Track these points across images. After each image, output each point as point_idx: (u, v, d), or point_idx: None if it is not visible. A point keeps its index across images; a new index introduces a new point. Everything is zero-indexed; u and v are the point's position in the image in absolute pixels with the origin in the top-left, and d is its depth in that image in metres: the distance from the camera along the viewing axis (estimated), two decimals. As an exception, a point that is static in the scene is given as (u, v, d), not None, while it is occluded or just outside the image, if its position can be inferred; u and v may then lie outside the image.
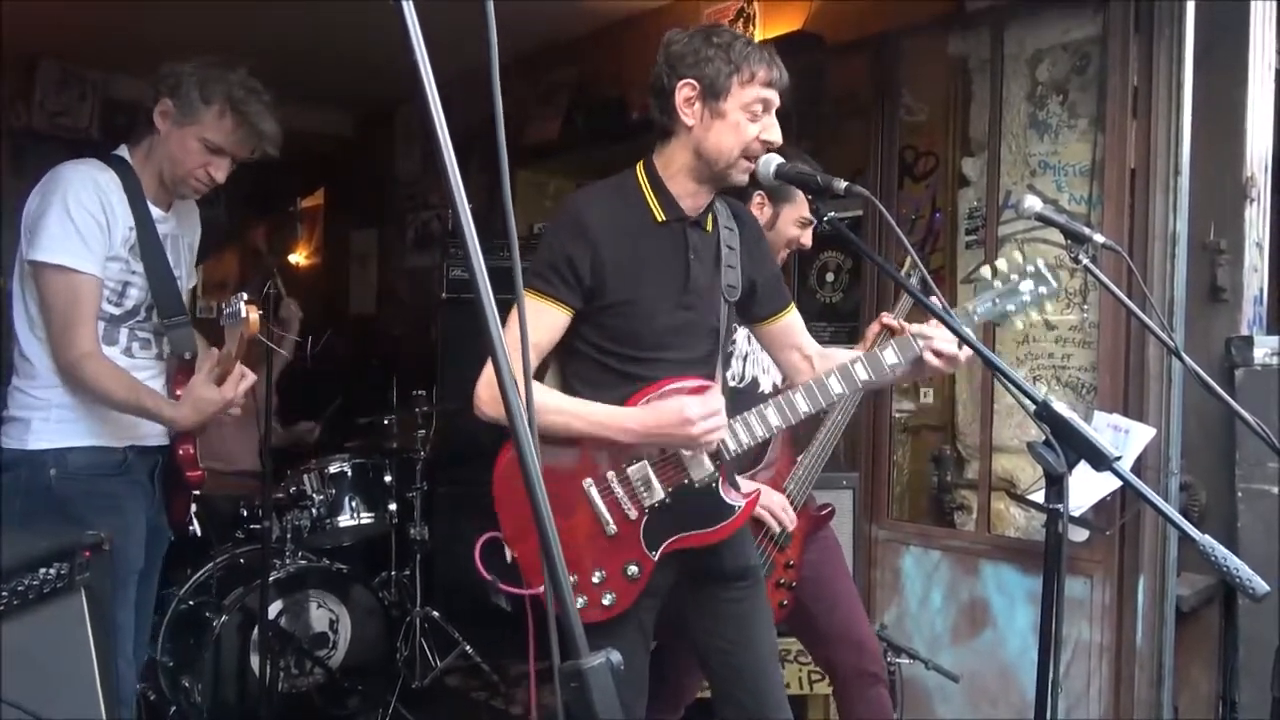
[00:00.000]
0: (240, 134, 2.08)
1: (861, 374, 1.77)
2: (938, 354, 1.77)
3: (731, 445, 1.75)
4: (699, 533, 1.75)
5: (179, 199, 2.18)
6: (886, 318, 2.33)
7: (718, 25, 1.87)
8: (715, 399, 1.69)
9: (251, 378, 2.04)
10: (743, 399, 1.98)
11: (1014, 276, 1.80)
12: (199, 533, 2.37)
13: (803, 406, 1.76)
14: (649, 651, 1.87)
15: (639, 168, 1.81)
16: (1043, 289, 1.80)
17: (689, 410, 1.65)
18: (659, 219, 1.77)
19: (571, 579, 1.68)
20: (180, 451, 2.15)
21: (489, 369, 1.68)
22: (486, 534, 1.72)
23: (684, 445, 1.69)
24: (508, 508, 1.75)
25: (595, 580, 1.72)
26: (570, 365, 1.82)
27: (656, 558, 1.74)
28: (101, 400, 2.00)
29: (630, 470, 1.73)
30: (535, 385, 1.72)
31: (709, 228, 1.83)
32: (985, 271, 1.83)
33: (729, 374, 2.07)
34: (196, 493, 2.24)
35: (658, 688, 1.89)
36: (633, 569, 1.72)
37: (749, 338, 2.32)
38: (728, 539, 1.80)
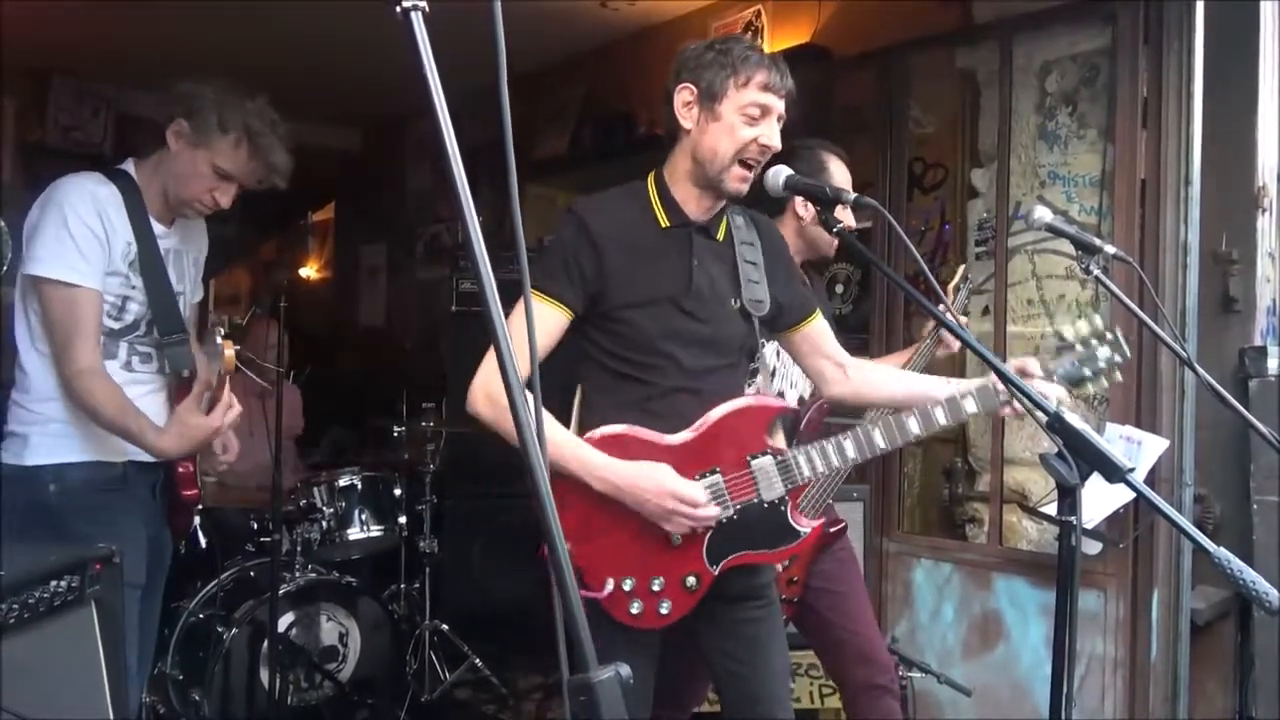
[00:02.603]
0: (253, 164, 2.08)
1: (940, 418, 1.78)
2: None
3: (806, 471, 1.75)
4: (760, 553, 1.76)
5: (181, 218, 2.17)
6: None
7: (729, 36, 1.89)
8: (698, 491, 1.68)
9: (238, 409, 2.00)
10: None
11: (1093, 341, 1.86)
12: (204, 543, 2.35)
13: (880, 443, 1.77)
14: (654, 663, 1.86)
15: (650, 176, 1.84)
16: (1118, 357, 1.87)
17: (669, 486, 1.66)
18: (663, 225, 1.78)
19: (630, 583, 1.71)
20: (180, 470, 2.12)
21: (486, 365, 1.70)
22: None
23: (653, 516, 1.68)
24: (566, 509, 1.73)
25: (655, 588, 1.72)
26: (585, 374, 1.83)
27: (717, 572, 1.74)
28: (91, 417, 1.98)
29: (704, 482, 1.73)
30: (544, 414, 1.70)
31: (720, 236, 1.84)
32: (1068, 333, 1.89)
33: (750, 390, 2.06)
34: (199, 508, 2.22)
35: (663, 689, 1.88)
36: (691, 580, 1.73)
37: (777, 352, 2.30)
38: None
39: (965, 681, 2.81)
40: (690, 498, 1.66)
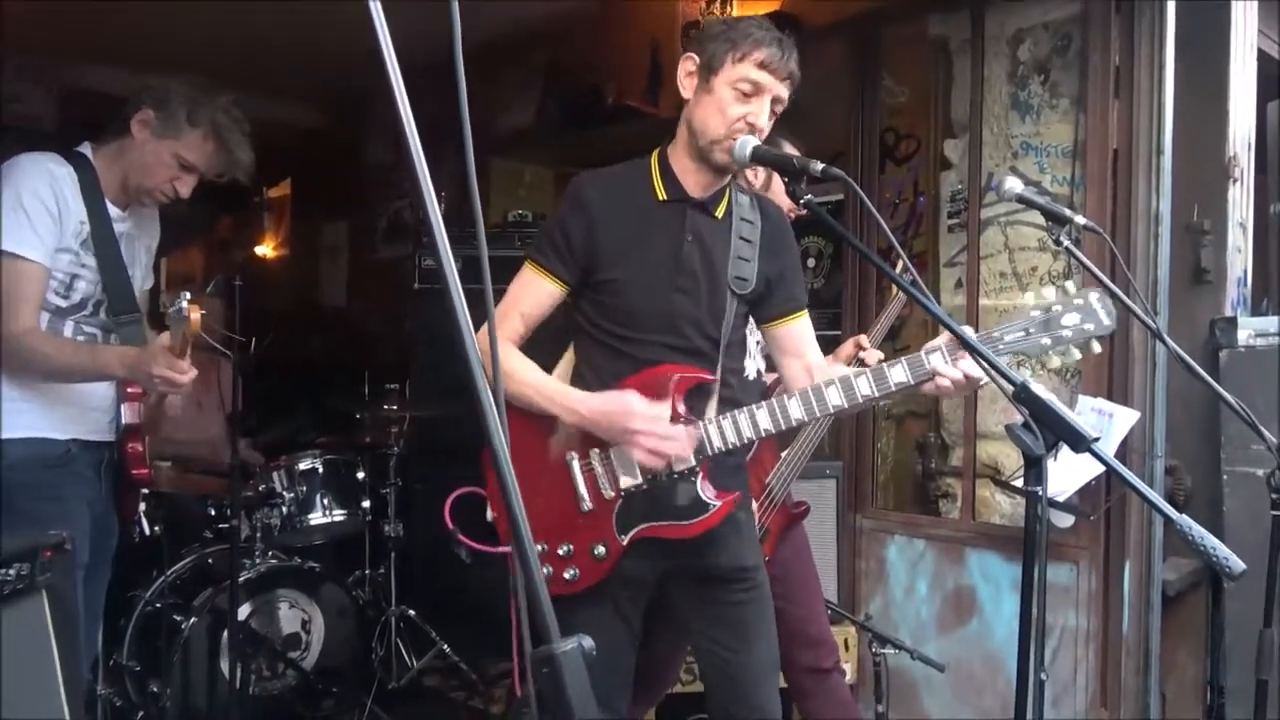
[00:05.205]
0: (217, 158, 2.18)
1: (864, 388, 1.71)
2: (942, 384, 1.68)
3: (716, 443, 1.76)
4: (670, 525, 1.76)
5: (138, 204, 2.22)
6: (864, 341, 2.37)
7: (749, 16, 1.88)
8: (662, 411, 1.70)
9: (192, 373, 2.01)
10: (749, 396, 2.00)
11: (1057, 307, 1.64)
12: (147, 531, 2.38)
13: (795, 413, 1.74)
14: (635, 646, 1.88)
15: (656, 150, 1.87)
16: (1089, 325, 1.62)
17: (634, 408, 1.69)
18: (660, 198, 1.81)
19: (539, 547, 1.74)
20: (128, 448, 2.19)
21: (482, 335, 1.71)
22: (465, 487, 1.75)
23: (621, 441, 1.71)
24: (487, 468, 1.76)
25: (561, 553, 1.75)
26: (579, 347, 1.87)
27: (625, 542, 1.76)
28: (47, 371, 2.03)
29: (614, 450, 1.76)
30: (512, 354, 1.79)
31: (719, 213, 1.85)
32: (1029, 297, 1.72)
33: (746, 374, 2.08)
34: (145, 490, 2.26)
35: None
36: (600, 549, 1.75)
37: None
38: (721, 536, 1.81)
39: (939, 657, 2.86)
40: (656, 415, 1.69)
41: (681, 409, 1.76)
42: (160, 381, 1.95)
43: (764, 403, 1.76)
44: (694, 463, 1.75)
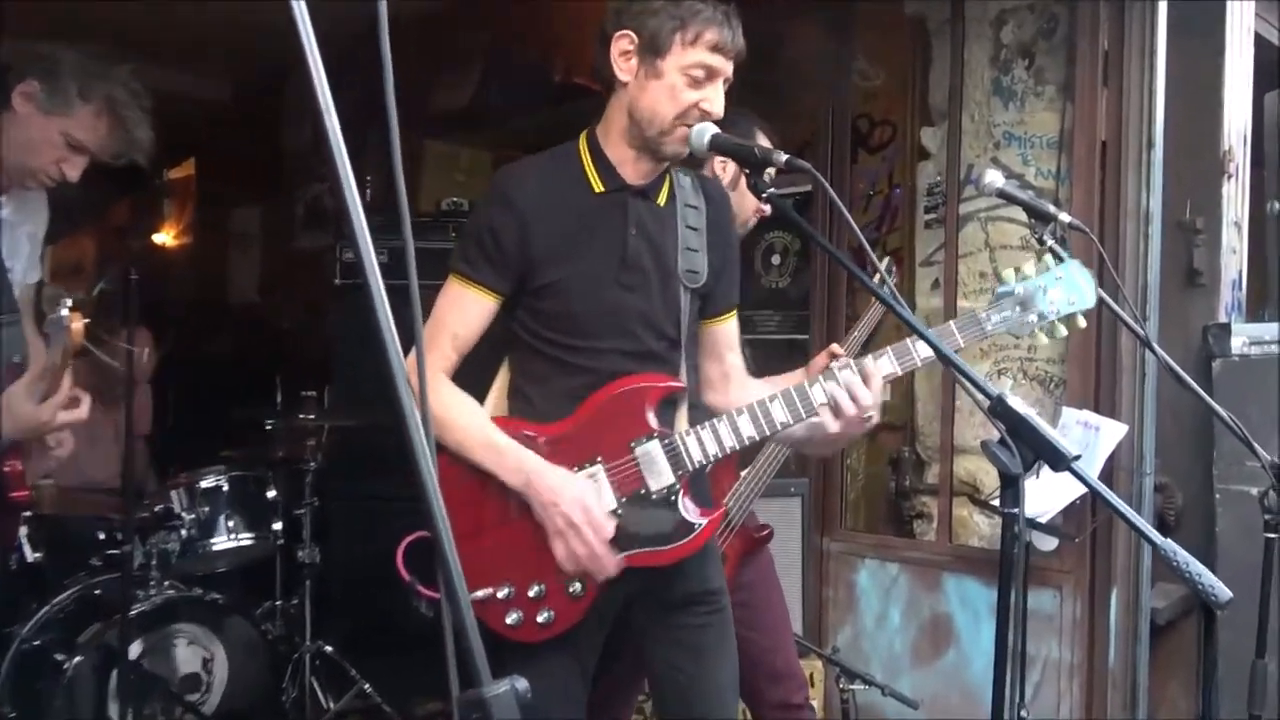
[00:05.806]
0: (112, 138, 2.11)
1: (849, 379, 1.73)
2: (836, 410, 1.74)
3: (696, 456, 1.76)
4: (653, 551, 1.75)
5: (19, 188, 2.16)
6: (838, 350, 2.39)
7: None
8: (607, 528, 1.69)
9: (83, 412, 1.95)
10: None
11: (1039, 282, 1.74)
12: (30, 557, 2.31)
13: (780, 416, 1.76)
14: (587, 688, 1.88)
15: (583, 135, 1.84)
16: (1073, 299, 1.73)
17: (588, 503, 1.68)
18: (597, 189, 1.79)
19: (506, 591, 1.72)
20: (5, 468, 2.11)
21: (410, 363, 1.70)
22: (415, 533, 1.72)
23: (552, 527, 1.69)
24: (448, 506, 1.74)
25: (532, 595, 1.73)
26: (515, 359, 1.85)
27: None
28: None
29: (583, 473, 1.74)
30: (445, 391, 1.76)
31: (661, 201, 1.84)
32: (1008, 275, 1.78)
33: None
34: (27, 513, 2.19)
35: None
36: (575, 586, 1.73)
37: None
38: (691, 558, 1.80)
39: (914, 690, 2.90)
40: (601, 525, 1.69)
41: (655, 424, 1.76)
42: (41, 429, 1.87)
43: (743, 407, 1.77)
44: (673, 479, 1.75)
